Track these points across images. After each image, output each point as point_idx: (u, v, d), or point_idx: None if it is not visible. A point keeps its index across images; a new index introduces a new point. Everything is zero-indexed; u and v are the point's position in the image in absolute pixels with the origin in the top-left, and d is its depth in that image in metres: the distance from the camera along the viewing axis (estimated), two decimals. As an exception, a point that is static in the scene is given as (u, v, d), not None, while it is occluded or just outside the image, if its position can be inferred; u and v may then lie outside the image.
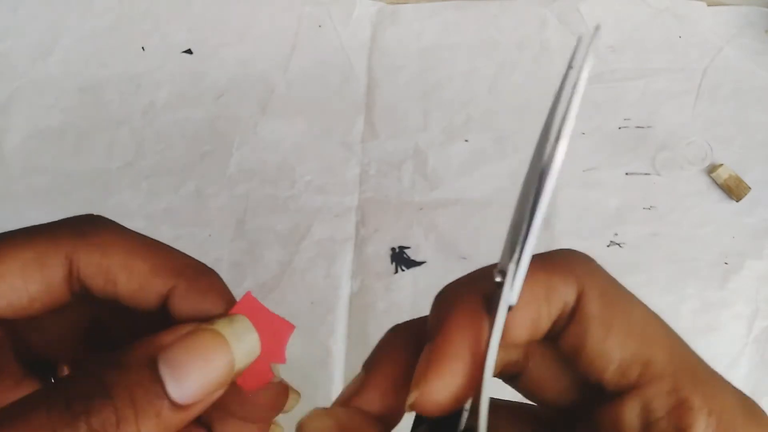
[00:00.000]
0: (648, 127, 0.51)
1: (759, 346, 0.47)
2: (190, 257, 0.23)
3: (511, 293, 0.19)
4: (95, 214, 0.23)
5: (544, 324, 0.20)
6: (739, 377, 0.46)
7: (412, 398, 0.19)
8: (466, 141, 0.52)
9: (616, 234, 0.49)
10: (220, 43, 0.55)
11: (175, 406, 0.19)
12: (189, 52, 0.55)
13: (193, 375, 0.19)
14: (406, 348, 0.22)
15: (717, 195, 0.50)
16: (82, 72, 0.54)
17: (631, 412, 0.20)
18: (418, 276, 0.49)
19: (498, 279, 0.19)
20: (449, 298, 0.21)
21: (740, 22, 0.53)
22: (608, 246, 0.49)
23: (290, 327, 0.22)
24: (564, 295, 0.20)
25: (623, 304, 0.21)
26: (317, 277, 0.49)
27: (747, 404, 0.21)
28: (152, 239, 0.23)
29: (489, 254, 0.54)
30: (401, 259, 0.49)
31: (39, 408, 0.17)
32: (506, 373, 0.22)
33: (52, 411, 0.17)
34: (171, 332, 0.20)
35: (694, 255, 0.49)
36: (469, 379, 0.19)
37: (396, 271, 0.49)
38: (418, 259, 0.49)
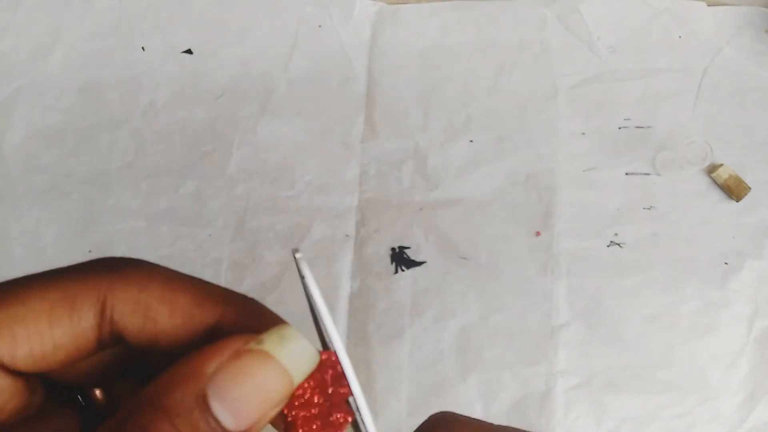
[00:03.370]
0: (648, 127, 0.51)
1: (759, 346, 0.47)
2: (229, 289, 0.21)
3: None
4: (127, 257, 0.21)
5: None
6: (739, 377, 0.47)
7: None
8: (471, 141, 0.52)
9: (616, 234, 0.49)
10: (220, 43, 0.55)
11: None
12: (189, 52, 0.55)
13: (249, 404, 0.18)
14: None
15: (717, 195, 0.50)
16: (82, 72, 0.54)
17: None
18: (418, 276, 0.49)
19: None
20: None
21: (740, 22, 0.53)
22: (608, 246, 0.49)
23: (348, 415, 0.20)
24: None
25: None
26: (317, 277, 0.49)
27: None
28: (189, 275, 0.21)
29: (489, 254, 0.54)
30: (401, 259, 0.49)
31: None
32: None
33: None
34: (215, 354, 0.18)
35: (694, 255, 0.49)
36: None
37: (396, 271, 0.49)
38: (418, 259, 0.49)
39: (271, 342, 0.18)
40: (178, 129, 0.53)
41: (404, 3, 0.55)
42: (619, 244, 0.49)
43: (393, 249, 0.50)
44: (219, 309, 0.20)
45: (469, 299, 0.48)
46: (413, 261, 0.49)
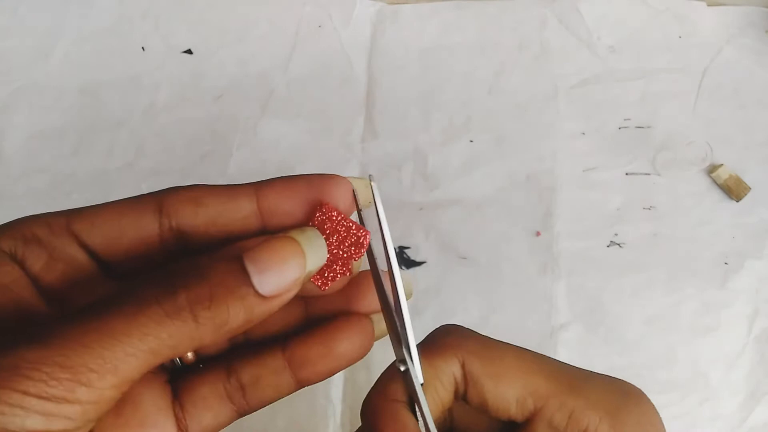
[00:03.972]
0: (648, 127, 0.51)
1: (759, 346, 0.47)
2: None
3: (417, 373, 0.24)
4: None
5: (446, 396, 0.25)
6: (739, 377, 0.47)
7: None
8: (471, 141, 0.52)
9: (616, 234, 0.49)
10: (220, 43, 0.55)
11: (258, 296, 0.21)
12: (189, 52, 0.55)
13: (273, 271, 0.22)
14: None
15: (717, 195, 0.50)
16: (82, 72, 0.54)
17: (542, 430, 0.24)
18: (418, 276, 0.49)
19: (402, 369, 0.24)
20: (372, 411, 0.25)
21: (740, 22, 0.53)
22: (608, 246, 0.49)
23: (366, 233, 0.26)
24: (449, 370, 0.25)
25: (496, 354, 0.26)
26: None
27: (624, 390, 0.26)
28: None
29: (489, 254, 0.54)
30: (401, 259, 0.49)
31: (146, 285, 0.20)
32: (440, 430, 0.26)
33: (154, 283, 0.20)
34: (253, 239, 0.23)
35: (694, 255, 0.49)
36: None
37: (396, 271, 0.49)
38: (418, 259, 0.49)
39: (295, 231, 0.23)
40: (178, 129, 0.53)
41: (404, 3, 0.55)
42: (619, 244, 0.49)
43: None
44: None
45: (469, 299, 0.48)
46: (413, 261, 0.49)
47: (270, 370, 0.26)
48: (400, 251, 0.50)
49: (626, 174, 0.51)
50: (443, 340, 0.26)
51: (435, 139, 0.52)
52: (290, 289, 0.22)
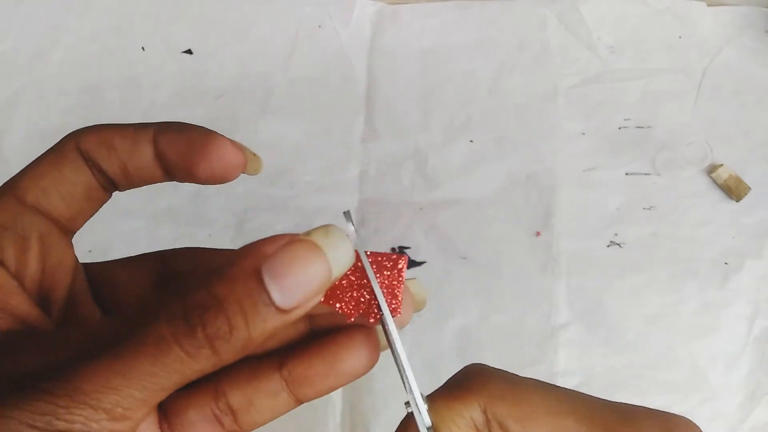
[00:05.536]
0: (648, 127, 0.51)
1: (759, 346, 0.47)
2: None
3: (424, 417, 0.23)
4: None
5: None
6: (739, 377, 0.47)
7: None
8: (471, 141, 0.52)
9: (616, 234, 0.49)
10: (220, 43, 0.55)
11: (279, 310, 0.20)
12: (189, 52, 0.55)
13: (295, 283, 0.20)
14: None
15: (717, 195, 0.50)
16: (82, 72, 0.54)
17: None
18: (418, 276, 0.49)
19: (408, 410, 0.23)
20: None
21: (740, 22, 0.53)
22: (608, 246, 0.49)
23: (403, 257, 0.24)
24: (467, 414, 0.23)
25: (523, 395, 0.24)
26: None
27: (669, 427, 0.23)
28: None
29: (489, 254, 0.54)
30: (401, 259, 0.49)
31: (158, 318, 0.19)
32: None
33: (171, 321, 0.19)
34: (271, 243, 0.21)
35: (694, 255, 0.49)
36: None
37: (396, 271, 0.49)
38: (418, 259, 0.49)
39: (317, 234, 0.21)
40: (178, 129, 0.53)
41: (404, 3, 0.55)
42: (619, 244, 0.49)
43: (393, 249, 0.50)
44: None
45: (469, 299, 0.48)
46: (413, 261, 0.49)
47: (265, 393, 0.24)
48: (400, 251, 0.50)
49: (626, 174, 0.51)
50: (466, 383, 0.24)
51: (435, 139, 0.52)
52: (312, 300, 0.21)
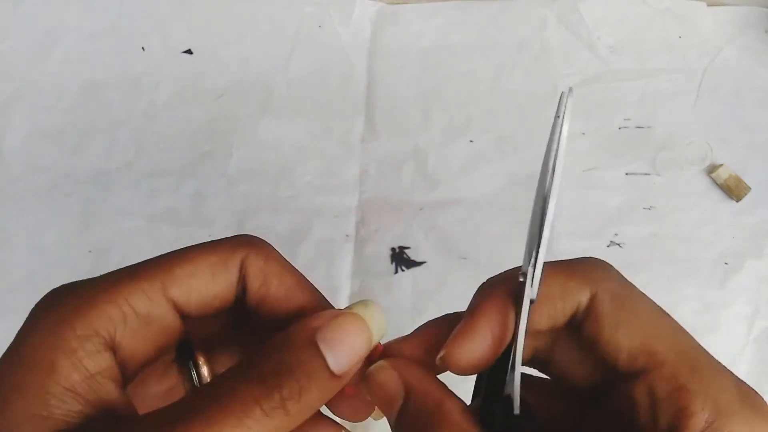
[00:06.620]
0: (648, 127, 0.51)
1: (759, 346, 0.47)
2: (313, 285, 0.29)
3: (531, 290, 0.24)
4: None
5: (561, 317, 0.25)
6: (738, 377, 0.46)
7: (438, 356, 0.25)
8: (471, 141, 0.52)
9: (616, 234, 0.49)
10: (220, 43, 0.55)
11: (333, 376, 0.23)
12: (189, 52, 0.55)
13: (345, 349, 0.23)
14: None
15: (717, 195, 0.50)
16: (82, 72, 0.54)
17: (639, 392, 0.23)
18: (418, 276, 0.49)
19: (521, 279, 0.24)
20: (484, 289, 0.26)
21: (740, 22, 0.53)
22: (608, 246, 0.49)
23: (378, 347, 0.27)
24: (577, 296, 0.25)
25: (632, 303, 0.25)
26: (317, 277, 0.49)
27: (744, 391, 0.25)
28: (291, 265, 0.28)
29: (489, 254, 0.54)
30: (401, 259, 0.49)
31: (241, 384, 0.22)
32: (537, 359, 0.27)
33: (251, 386, 0.22)
34: (319, 317, 0.24)
35: (694, 255, 0.49)
36: (489, 350, 0.24)
37: (396, 271, 0.49)
38: (418, 259, 0.49)
39: (358, 307, 0.25)
40: (178, 129, 0.53)
41: (404, 3, 0.55)
42: (619, 244, 0.49)
43: (393, 249, 0.50)
44: (310, 295, 0.28)
45: (469, 299, 0.48)
46: (413, 261, 0.49)
47: None
48: (400, 251, 0.50)
49: (626, 174, 0.51)
50: (588, 269, 0.26)
51: (435, 139, 0.52)
52: (357, 364, 0.24)
